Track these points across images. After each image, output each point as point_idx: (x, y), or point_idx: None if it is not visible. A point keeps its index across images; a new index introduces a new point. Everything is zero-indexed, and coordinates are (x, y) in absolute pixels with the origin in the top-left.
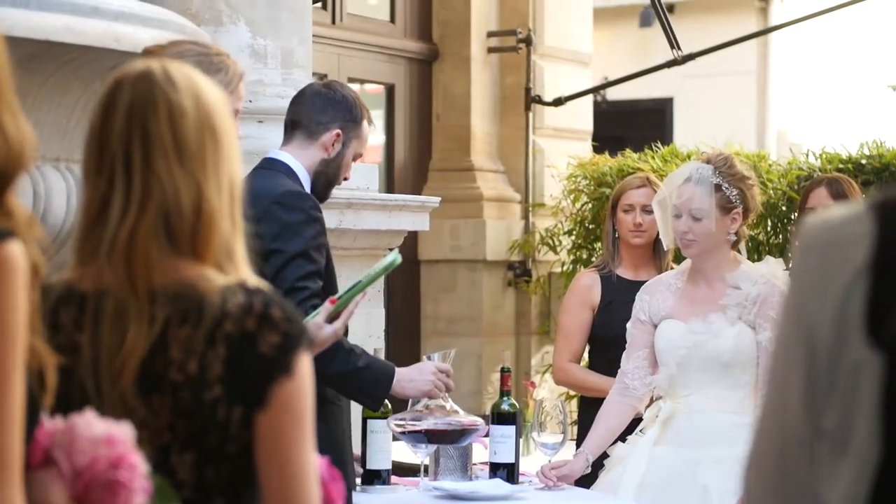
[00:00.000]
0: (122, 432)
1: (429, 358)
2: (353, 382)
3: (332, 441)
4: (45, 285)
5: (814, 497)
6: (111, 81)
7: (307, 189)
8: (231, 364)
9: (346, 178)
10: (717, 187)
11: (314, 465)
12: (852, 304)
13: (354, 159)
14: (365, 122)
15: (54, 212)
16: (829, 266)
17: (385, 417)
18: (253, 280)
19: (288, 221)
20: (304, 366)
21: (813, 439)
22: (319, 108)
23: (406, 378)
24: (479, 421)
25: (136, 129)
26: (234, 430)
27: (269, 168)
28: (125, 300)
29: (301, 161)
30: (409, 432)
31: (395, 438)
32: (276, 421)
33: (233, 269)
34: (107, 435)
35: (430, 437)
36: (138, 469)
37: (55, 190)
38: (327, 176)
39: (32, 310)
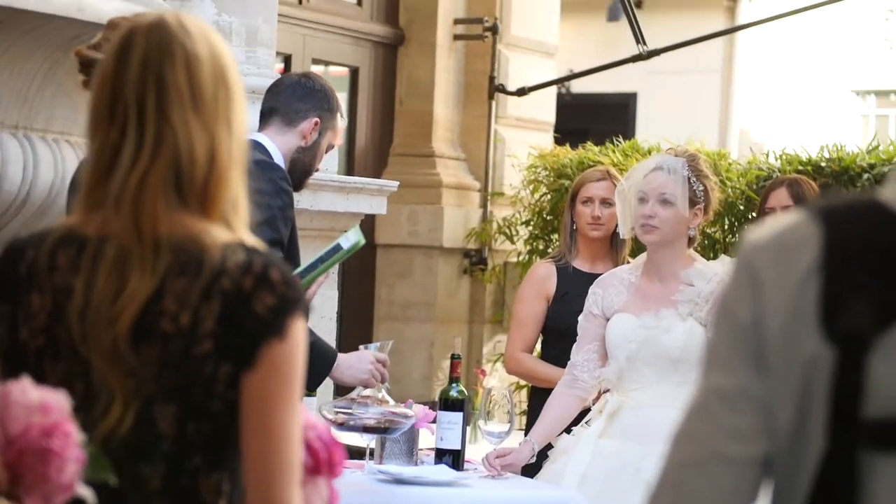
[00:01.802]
0: (58, 400)
1: (366, 348)
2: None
3: None
4: (44, 230)
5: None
6: (124, 30)
7: None
8: (224, 321)
9: (317, 170)
10: (687, 180)
11: (298, 430)
12: (805, 302)
13: (327, 150)
14: (339, 114)
15: (10, 179)
16: (780, 266)
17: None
18: (250, 239)
19: (255, 189)
20: (298, 330)
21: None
22: (299, 97)
23: (346, 364)
24: (410, 413)
25: (151, 77)
26: (220, 387)
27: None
28: (128, 248)
29: (278, 146)
30: (341, 424)
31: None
32: (263, 382)
33: (238, 222)
34: (41, 402)
35: (362, 429)
36: (72, 438)
37: (12, 157)
38: (303, 164)
39: None
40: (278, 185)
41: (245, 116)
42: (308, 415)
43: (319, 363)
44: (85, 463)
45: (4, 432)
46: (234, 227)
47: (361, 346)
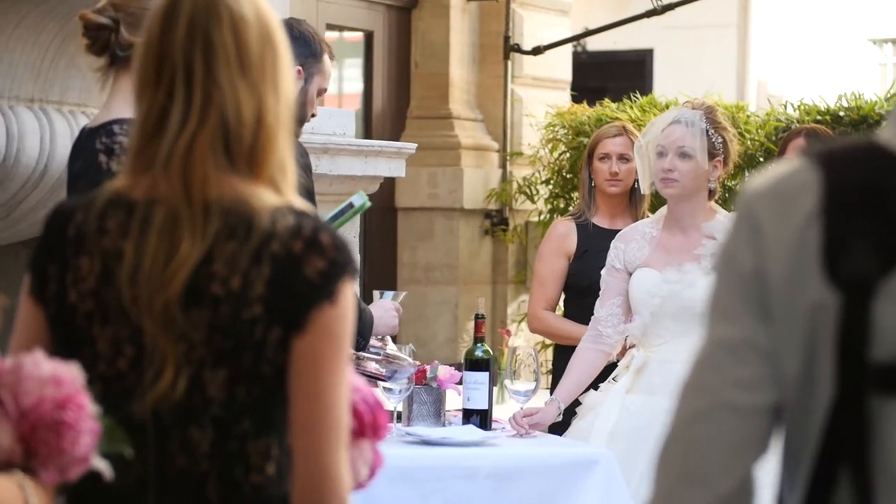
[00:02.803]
0: (70, 372)
1: (381, 295)
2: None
3: None
4: (92, 194)
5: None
6: None
7: None
8: (274, 285)
9: (313, 115)
10: (705, 132)
11: (346, 393)
12: (807, 248)
13: (319, 94)
14: (326, 57)
15: (27, 152)
16: (780, 213)
17: None
18: (299, 201)
19: None
20: (348, 294)
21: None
22: None
23: (376, 316)
24: (408, 359)
25: (198, 38)
26: (270, 351)
27: None
28: (178, 210)
29: None
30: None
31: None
32: (313, 346)
33: (286, 185)
34: (54, 375)
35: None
36: (86, 410)
37: (28, 130)
38: (300, 115)
39: None
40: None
41: (292, 79)
42: (354, 378)
43: (367, 321)
44: (100, 435)
45: (18, 405)
46: (282, 190)
47: (376, 293)
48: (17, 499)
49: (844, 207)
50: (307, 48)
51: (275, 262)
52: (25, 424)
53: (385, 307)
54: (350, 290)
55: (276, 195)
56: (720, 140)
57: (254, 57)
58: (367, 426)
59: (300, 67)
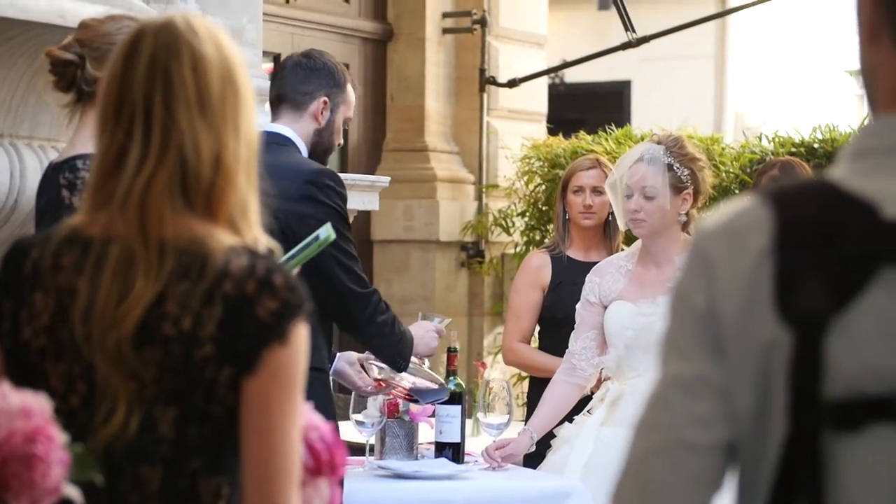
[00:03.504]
0: (39, 404)
1: (423, 317)
2: (396, 346)
3: (325, 407)
4: (49, 230)
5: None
6: (133, 31)
7: None
8: (225, 325)
9: (339, 144)
10: (669, 167)
11: (298, 435)
12: (759, 285)
13: (344, 123)
14: (349, 86)
15: None
16: (732, 251)
17: None
18: (264, 239)
19: (330, 206)
20: (300, 335)
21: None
22: (302, 79)
23: (417, 337)
24: (440, 382)
25: (158, 77)
26: (221, 391)
27: (278, 143)
28: (133, 250)
29: (298, 133)
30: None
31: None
32: (264, 387)
33: (247, 226)
34: (23, 407)
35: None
36: (55, 441)
37: None
38: (322, 145)
39: None
40: (337, 193)
41: (254, 119)
42: (311, 416)
43: (409, 343)
44: (71, 463)
45: None
46: (241, 231)
47: (420, 314)
48: None
49: (796, 245)
50: (331, 79)
51: (227, 302)
52: None
53: (426, 328)
54: (303, 331)
55: (233, 236)
56: (686, 173)
57: (214, 97)
58: (323, 464)
59: (326, 98)
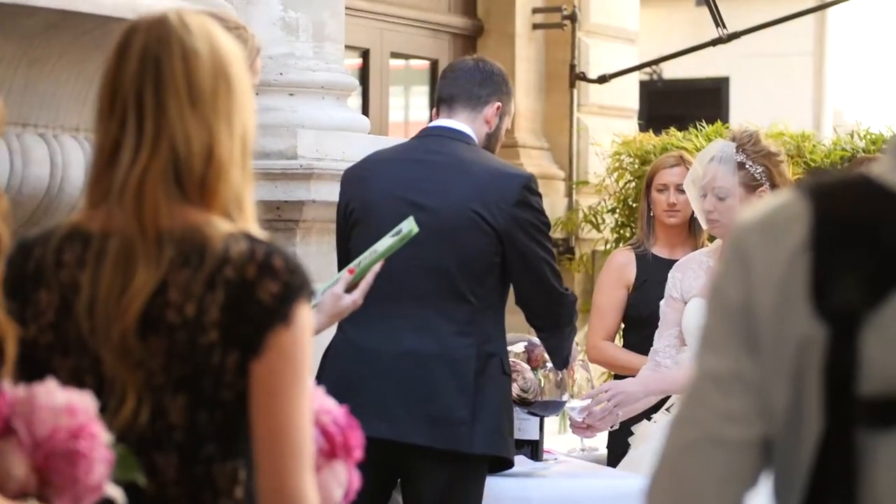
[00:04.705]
0: (83, 401)
1: None
2: (570, 347)
3: (500, 389)
4: (51, 227)
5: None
6: (126, 27)
7: None
8: (228, 310)
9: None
10: (741, 165)
11: (308, 416)
12: (795, 281)
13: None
14: (513, 98)
15: (72, 181)
16: (768, 245)
17: None
18: (258, 232)
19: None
20: (304, 316)
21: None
22: (479, 82)
23: None
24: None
25: (149, 71)
26: (229, 376)
27: (465, 142)
28: (132, 242)
29: (474, 134)
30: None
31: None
32: (270, 370)
33: (242, 218)
34: (67, 404)
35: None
36: (99, 439)
37: (73, 160)
38: (490, 149)
39: None
40: (541, 198)
41: (251, 113)
42: (322, 399)
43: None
44: (114, 463)
45: (32, 435)
46: (237, 222)
47: None
48: None
49: (833, 240)
50: (505, 86)
51: (228, 287)
52: (40, 454)
53: None
54: (306, 313)
55: (229, 223)
56: (760, 170)
57: (205, 91)
58: (338, 447)
59: (499, 104)
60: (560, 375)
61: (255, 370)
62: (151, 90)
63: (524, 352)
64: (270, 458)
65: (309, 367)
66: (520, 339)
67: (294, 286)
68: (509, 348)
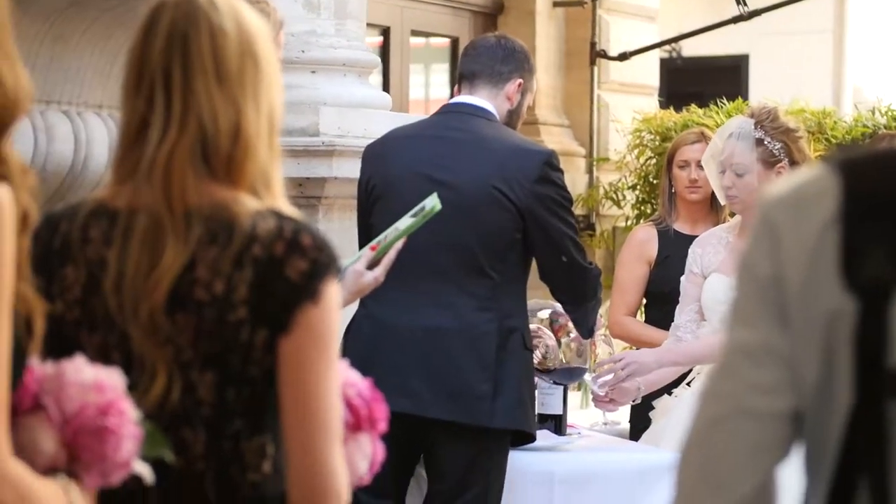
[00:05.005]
0: (112, 378)
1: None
2: (595, 317)
3: (522, 363)
4: (76, 203)
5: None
6: (154, 4)
7: None
8: (257, 287)
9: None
10: (759, 142)
11: (336, 392)
12: (825, 254)
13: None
14: (535, 75)
15: (95, 158)
16: (798, 219)
17: None
18: (287, 209)
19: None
20: (332, 293)
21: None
22: (501, 59)
23: None
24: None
25: (176, 48)
26: (257, 353)
27: (487, 118)
28: (160, 219)
29: (496, 110)
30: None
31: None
32: (299, 347)
33: (269, 196)
34: (96, 381)
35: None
36: (127, 415)
37: (96, 137)
38: (511, 126)
39: (21, 256)
40: (562, 173)
41: (278, 91)
42: (347, 372)
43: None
44: (142, 440)
45: (61, 411)
46: (264, 199)
47: None
48: (62, 502)
49: (862, 214)
50: (527, 63)
51: (257, 264)
52: (69, 430)
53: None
54: (334, 290)
55: (257, 201)
56: (778, 146)
57: (232, 68)
58: (363, 420)
59: (521, 81)
60: (582, 344)
61: (283, 347)
62: (179, 67)
63: (548, 318)
64: (299, 434)
65: (337, 344)
66: (544, 305)
67: (322, 263)
68: (536, 314)
